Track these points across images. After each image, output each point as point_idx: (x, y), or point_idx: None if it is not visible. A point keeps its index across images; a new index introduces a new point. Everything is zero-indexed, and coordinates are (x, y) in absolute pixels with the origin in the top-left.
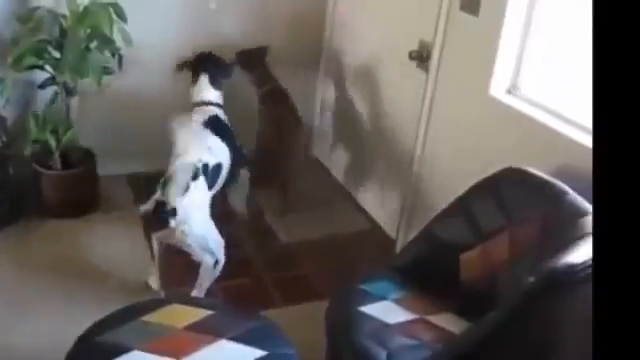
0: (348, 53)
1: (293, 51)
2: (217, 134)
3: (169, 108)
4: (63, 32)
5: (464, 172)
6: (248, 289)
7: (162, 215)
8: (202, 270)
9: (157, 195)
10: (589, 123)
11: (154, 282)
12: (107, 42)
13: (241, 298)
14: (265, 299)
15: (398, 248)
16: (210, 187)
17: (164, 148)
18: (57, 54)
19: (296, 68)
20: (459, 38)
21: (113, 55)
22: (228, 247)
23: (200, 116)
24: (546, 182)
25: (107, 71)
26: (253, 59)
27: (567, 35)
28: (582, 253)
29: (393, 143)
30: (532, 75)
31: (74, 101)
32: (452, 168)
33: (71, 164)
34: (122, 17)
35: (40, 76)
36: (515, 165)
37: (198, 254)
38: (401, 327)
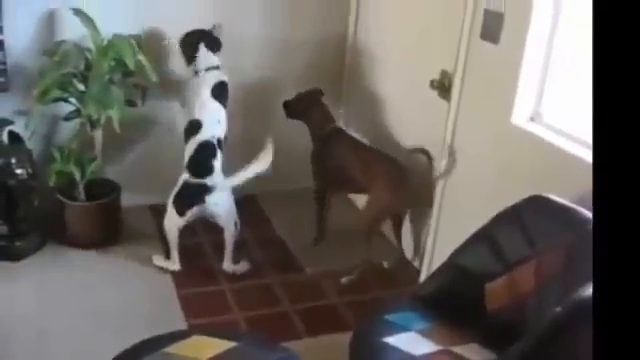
0: (369, 82)
1: (314, 79)
2: (222, 102)
3: None
4: (88, 65)
5: (487, 201)
6: (272, 320)
7: (196, 194)
8: (228, 237)
9: (184, 176)
10: None
11: (172, 264)
12: (130, 74)
13: (264, 329)
14: (289, 330)
15: (422, 278)
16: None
17: None
18: (82, 87)
19: None
20: (480, 66)
21: (136, 87)
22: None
23: (208, 83)
24: (571, 210)
25: (131, 104)
26: (310, 102)
27: (589, 61)
28: None
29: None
30: (555, 102)
31: (98, 133)
32: (475, 197)
33: (95, 195)
34: (145, 50)
35: (65, 108)
36: (539, 193)
37: (224, 221)
38: (426, 359)
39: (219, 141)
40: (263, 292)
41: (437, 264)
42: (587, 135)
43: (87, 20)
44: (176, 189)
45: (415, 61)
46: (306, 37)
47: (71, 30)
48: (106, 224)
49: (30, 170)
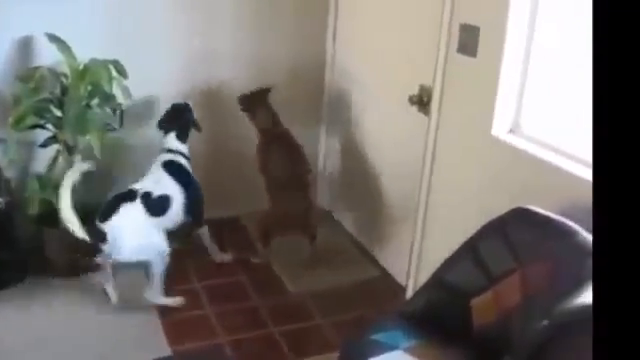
0: (349, 98)
1: (294, 97)
2: (172, 175)
3: None
4: (64, 90)
5: (470, 214)
6: (257, 343)
7: (95, 241)
8: (151, 270)
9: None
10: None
11: (112, 295)
12: (107, 98)
13: (250, 352)
14: (275, 353)
15: (408, 295)
16: (156, 214)
17: None
18: (58, 113)
19: (298, 114)
20: (459, 80)
21: (114, 111)
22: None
23: (161, 159)
24: (554, 221)
25: (108, 127)
26: (255, 100)
27: (567, 71)
28: None
29: (398, 188)
30: (534, 113)
31: (76, 159)
32: (458, 210)
33: None
34: (123, 73)
35: (42, 135)
36: (521, 204)
37: (141, 259)
38: None
39: (148, 194)
40: (247, 315)
41: (422, 279)
42: (567, 145)
43: (62, 45)
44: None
45: (393, 77)
46: (286, 57)
47: (46, 55)
48: (87, 251)
49: (8, 198)
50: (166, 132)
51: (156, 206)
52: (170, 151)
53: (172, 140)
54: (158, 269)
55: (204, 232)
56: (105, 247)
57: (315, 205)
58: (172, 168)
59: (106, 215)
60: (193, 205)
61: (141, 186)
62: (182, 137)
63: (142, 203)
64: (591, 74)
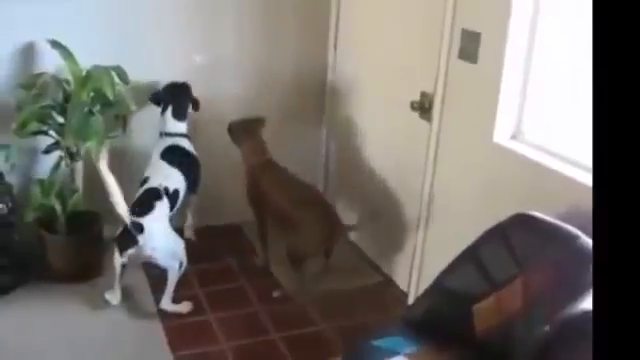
0: (350, 106)
1: (296, 105)
2: (172, 164)
3: None
4: (67, 97)
5: (472, 220)
6: (258, 349)
7: (130, 234)
8: (170, 277)
9: (126, 217)
10: None
11: (113, 298)
12: (110, 105)
13: (251, 358)
14: (276, 358)
15: (410, 301)
16: (171, 209)
17: None
18: (61, 119)
19: (299, 122)
20: (460, 86)
21: (117, 117)
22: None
23: (159, 147)
24: (556, 227)
25: (111, 135)
26: (246, 130)
27: (568, 77)
28: None
29: (400, 195)
30: (536, 119)
31: (79, 165)
32: (460, 217)
33: (77, 228)
34: (124, 79)
35: (44, 141)
36: (523, 210)
37: (164, 262)
38: None
39: (167, 190)
40: (249, 321)
41: (424, 285)
42: (569, 151)
43: (65, 52)
44: (119, 229)
45: (395, 83)
46: (287, 66)
47: (49, 62)
48: (88, 257)
49: (10, 204)
50: (160, 107)
51: (172, 200)
52: (169, 135)
53: (169, 121)
54: (174, 277)
55: (193, 201)
56: (141, 239)
57: None
58: (174, 156)
59: (143, 211)
60: (193, 184)
61: (159, 182)
62: (179, 115)
63: (168, 200)
64: (592, 79)
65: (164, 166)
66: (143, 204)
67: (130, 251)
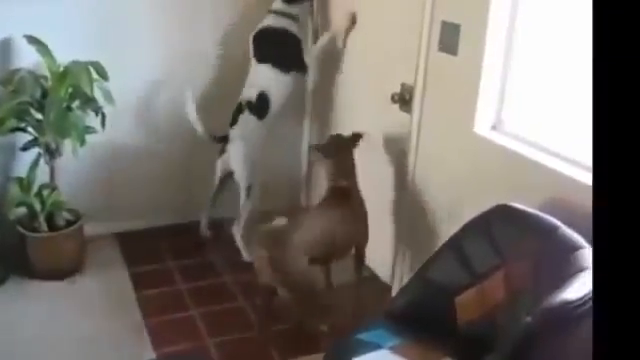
0: (333, 98)
1: None
2: (267, 61)
3: (155, 165)
4: (44, 93)
5: (454, 212)
6: (243, 345)
7: (221, 142)
8: (241, 206)
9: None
10: (574, 155)
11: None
12: (88, 101)
13: (236, 354)
14: (262, 354)
15: (394, 294)
16: (261, 116)
17: (150, 205)
18: (39, 115)
19: (280, 119)
20: (440, 78)
21: (96, 114)
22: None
23: (258, 27)
24: (537, 217)
25: (90, 130)
26: (338, 147)
27: (548, 67)
28: (577, 289)
29: (381, 187)
30: (516, 110)
31: (58, 162)
32: (442, 209)
33: (57, 226)
34: (103, 75)
35: (22, 138)
36: (504, 201)
37: (239, 178)
38: None
39: (249, 102)
40: (234, 316)
41: (407, 278)
42: (548, 142)
43: (42, 48)
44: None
45: (375, 75)
46: None
47: (26, 58)
48: (69, 255)
49: None
50: None
51: (260, 106)
52: (274, 12)
53: (278, 1)
54: (244, 204)
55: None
56: (228, 148)
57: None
58: (267, 44)
59: (231, 122)
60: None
61: (243, 95)
62: None
63: (250, 112)
64: (590, 76)
65: (258, 69)
66: (232, 116)
67: (221, 158)
